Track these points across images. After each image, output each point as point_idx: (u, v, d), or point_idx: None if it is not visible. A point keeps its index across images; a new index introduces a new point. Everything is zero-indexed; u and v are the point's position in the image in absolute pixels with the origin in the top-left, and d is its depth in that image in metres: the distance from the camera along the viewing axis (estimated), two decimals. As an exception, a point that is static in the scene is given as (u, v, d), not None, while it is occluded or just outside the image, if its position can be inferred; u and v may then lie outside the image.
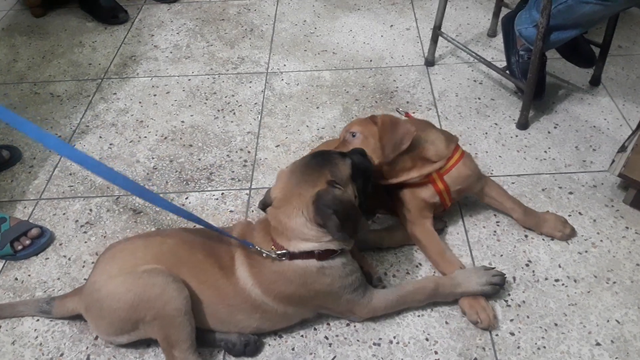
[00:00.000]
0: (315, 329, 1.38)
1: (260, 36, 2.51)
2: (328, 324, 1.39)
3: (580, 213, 1.62)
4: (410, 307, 1.39)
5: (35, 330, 1.42)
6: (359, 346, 1.34)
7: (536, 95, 1.89)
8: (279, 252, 1.25)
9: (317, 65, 2.31)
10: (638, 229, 1.57)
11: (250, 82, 2.24)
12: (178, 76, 2.30)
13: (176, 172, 1.86)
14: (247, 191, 1.77)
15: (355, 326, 1.38)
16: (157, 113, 2.11)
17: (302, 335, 1.37)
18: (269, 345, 1.35)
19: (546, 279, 1.46)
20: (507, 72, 2.01)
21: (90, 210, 1.74)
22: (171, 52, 2.44)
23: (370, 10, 2.64)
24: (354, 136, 1.46)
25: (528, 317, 1.37)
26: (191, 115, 2.09)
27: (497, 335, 1.34)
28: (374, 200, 1.62)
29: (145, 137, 2.01)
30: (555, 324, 1.36)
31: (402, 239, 1.55)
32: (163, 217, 1.70)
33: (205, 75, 2.29)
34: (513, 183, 1.73)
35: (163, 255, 1.28)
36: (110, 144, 1.99)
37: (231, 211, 1.71)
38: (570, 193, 1.69)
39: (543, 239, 1.55)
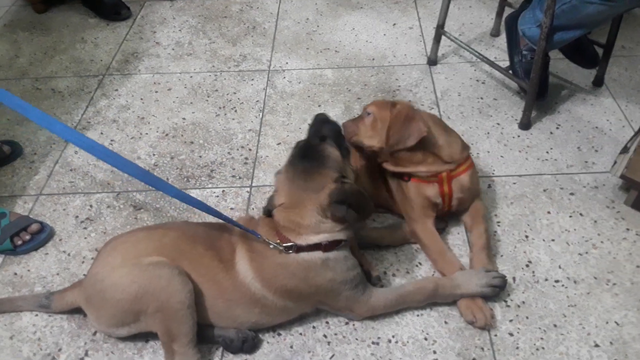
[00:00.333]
0: (314, 327, 1.38)
1: (263, 34, 2.51)
2: (327, 322, 1.38)
3: (581, 214, 1.62)
4: (410, 307, 1.39)
5: (33, 325, 1.42)
6: (358, 345, 1.34)
7: (539, 95, 1.88)
8: (285, 244, 1.25)
9: (319, 64, 2.30)
10: (639, 231, 1.56)
11: (252, 79, 2.24)
12: (180, 73, 2.30)
13: (177, 169, 1.85)
14: (248, 189, 1.77)
15: (354, 325, 1.37)
16: (158, 110, 2.11)
17: (300, 334, 1.37)
18: (268, 342, 1.35)
19: (546, 279, 1.45)
20: (510, 71, 2.00)
21: (91, 206, 1.74)
22: (173, 49, 2.44)
23: (373, 8, 2.64)
24: (367, 114, 1.50)
25: (527, 317, 1.37)
26: (192, 113, 2.09)
27: (496, 335, 1.34)
28: (374, 198, 1.62)
29: (147, 133, 2.01)
30: (555, 325, 1.35)
31: (403, 238, 1.55)
32: (163, 213, 1.70)
33: (207, 73, 2.29)
34: (514, 183, 1.72)
35: (165, 248, 1.28)
36: (112, 140, 1.98)
37: (232, 209, 1.70)
38: (572, 194, 1.68)
39: (543, 240, 1.54)
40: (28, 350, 1.37)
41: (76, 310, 1.38)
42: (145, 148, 1.94)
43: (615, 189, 1.68)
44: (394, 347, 1.33)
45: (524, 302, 1.40)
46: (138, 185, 1.78)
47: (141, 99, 2.17)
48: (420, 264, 1.51)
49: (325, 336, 1.36)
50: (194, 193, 1.76)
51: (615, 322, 1.35)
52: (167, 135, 1.99)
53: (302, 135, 1.96)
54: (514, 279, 1.46)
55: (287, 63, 2.32)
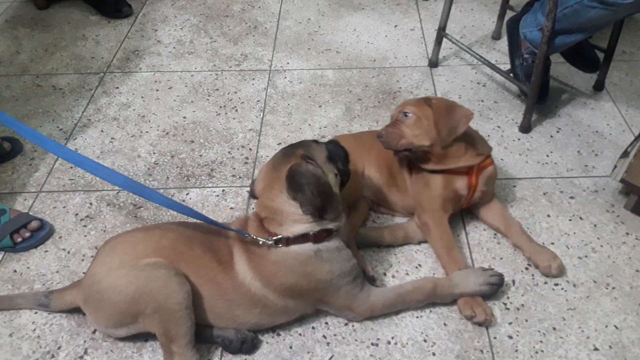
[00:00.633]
0: (313, 328, 1.38)
1: (264, 33, 2.51)
2: (326, 323, 1.38)
3: (580, 218, 1.62)
4: (409, 307, 1.39)
5: (33, 323, 1.41)
6: (357, 346, 1.34)
7: (539, 98, 1.89)
8: (274, 238, 1.25)
9: (320, 64, 2.30)
10: (638, 235, 1.57)
11: (253, 79, 2.24)
12: (181, 72, 2.29)
13: (177, 168, 1.85)
14: (248, 188, 1.77)
15: (353, 326, 1.38)
16: (159, 108, 2.11)
17: (300, 334, 1.37)
18: (267, 343, 1.35)
19: (545, 282, 1.46)
20: (511, 75, 2.00)
21: (91, 204, 1.74)
22: (174, 48, 2.44)
23: (374, 10, 2.64)
24: (406, 116, 1.47)
25: (527, 320, 1.37)
26: (193, 111, 2.09)
27: (495, 338, 1.34)
28: (379, 198, 1.62)
29: (147, 132, 2.00)
30: (554, 328, 1.36)
31: (404, 238, 1.55)
32: (163, 212, 1.70)
33: (208, 72, 2.29)
34: (514, 186, 1.72)
35: (163, 249, 1.28)
36: (112, 138, 1.98)
37: (232, 208, 1.70)
38: (572, 197, 1.69)
39: (543, 243, 1.55)
40: (27, 347, 1.37)
41: (76, 309, 1.38)
42: (145, 146, 1.94)
43: (615, 193, 1.69)
44: (393, 348, 1.33)
45: (523, 305, 1.41)
46: (138, 184, 1.78)
47: (142, 97, 2.17)
48: (419, 265, 1.51)
49: (324, 337, 1.36)
50: (194, 192, 1.76)
51: (615, 326, 1.36)
52: (167, 133, 1.99)
53: (303, 135, 1.97)
54: (513, 281, 1.46)
55: (288, 63, 2.32)
